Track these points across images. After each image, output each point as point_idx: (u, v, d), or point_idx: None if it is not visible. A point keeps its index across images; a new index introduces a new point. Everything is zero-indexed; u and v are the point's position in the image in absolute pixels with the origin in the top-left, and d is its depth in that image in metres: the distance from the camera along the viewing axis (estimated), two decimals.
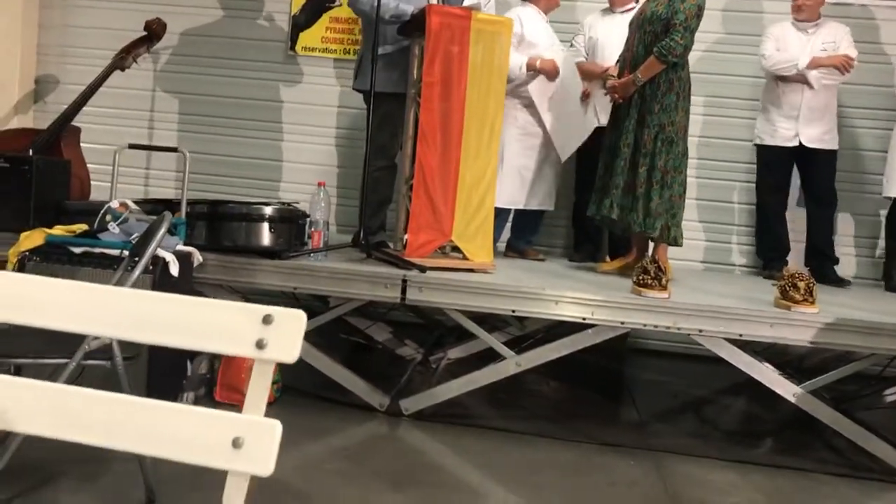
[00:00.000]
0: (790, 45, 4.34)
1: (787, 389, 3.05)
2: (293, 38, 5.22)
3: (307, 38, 5.21)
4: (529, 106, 4.27)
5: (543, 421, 3.37)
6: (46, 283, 1.00)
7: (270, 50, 5.22)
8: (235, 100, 5.21)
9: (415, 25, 3.43)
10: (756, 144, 4.55)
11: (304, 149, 5.21)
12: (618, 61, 3.94)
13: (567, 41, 4.58)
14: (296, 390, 3.29)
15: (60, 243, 2.85)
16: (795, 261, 4.52)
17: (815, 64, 4.26)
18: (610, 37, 4.19)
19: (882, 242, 4.70)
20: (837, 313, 3.03)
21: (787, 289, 3.08)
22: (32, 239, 2.86)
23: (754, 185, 4.67)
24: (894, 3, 4.77)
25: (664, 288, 3.11)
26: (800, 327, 2.96)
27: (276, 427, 0.90)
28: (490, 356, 3.40)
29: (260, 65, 5.21)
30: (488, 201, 3.49)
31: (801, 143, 4.34)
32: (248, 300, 3.36)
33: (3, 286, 0.97)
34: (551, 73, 4.18)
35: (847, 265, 4.68)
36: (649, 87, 3.67)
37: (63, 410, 0.91)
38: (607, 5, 4.55)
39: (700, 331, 3.03)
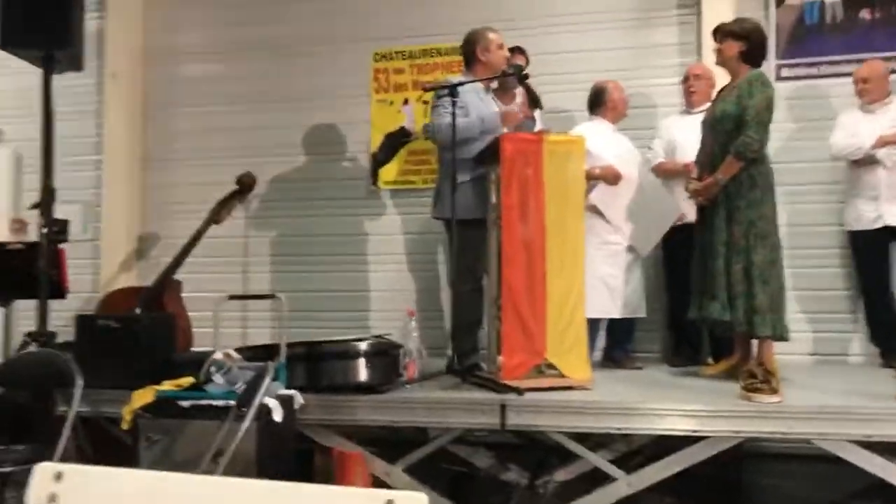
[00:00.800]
0: (860, 130, 4.30)
1: None
2: (374, 174, 5.45)
3: (387, 172, 5.44)
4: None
5: None
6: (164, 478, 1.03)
7: (354, 187, 5.46)
8: (323, 237, 5.43)
9: (490, 154, 3.53)
10: (847, 231, 4.43)
11: (390, 277, 5.34)
12: (695, 162, 3.94)
13: (645, 146, 4.63)
14: None
15: (170, 398, 2.95)
16: None
17: (880, 143, 4.19)
18: (689, 137, 4.20)
19: None
20: None
21: None
22: (144, 396, 2.98)
23: (848, 269, 4.52)
24: None
25: (775, 391, 2.97)
26: None
27: None
28: (598, 476, 3.27)
29: (344, 202, 5.44)
30: (579, 315, 3.46)
31: (886, 224, 4.23)
32: (349, 438, 3.37)
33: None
34: (610, 179, 4.19)
35: None
36: (733, 184, 3.64)
37: None
38: (684, 107, 4.60)
39: (821, 435, 2.86)
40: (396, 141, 5.46)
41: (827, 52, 4.84)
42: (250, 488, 0.94)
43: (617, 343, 4.44)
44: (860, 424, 2.82)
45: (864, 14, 4.84)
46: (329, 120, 5.54)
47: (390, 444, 3.53)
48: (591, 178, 4.19)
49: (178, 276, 4.37)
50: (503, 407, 3.12)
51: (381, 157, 5.47)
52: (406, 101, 5.47)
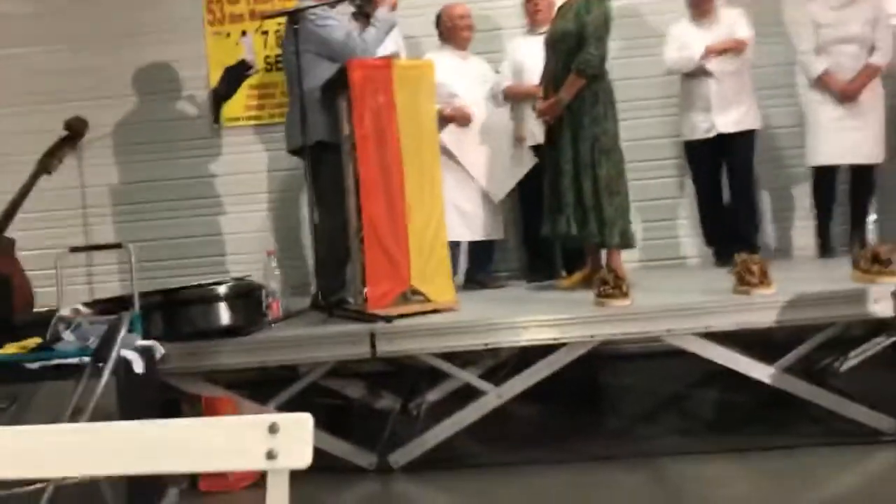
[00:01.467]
0: (690, 43, 4.46)
1: (761, 372, 3.12)
2: (216, 111, 5.19)
3: (230, 108, 5.19)
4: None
5: (532, 447, 3.37)
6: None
7: (195, 126, 5.18)
8: (168, 182, 5.14)
9: (338, 82, 3.45)
10: (683, 141, 4.68)
11: (245, 218, 5.17)
12: (541, 82, 4.02)
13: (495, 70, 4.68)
14: None
15: (15, 362, 2.76)
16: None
17: (709, 52, 4.39)
18: (533, 57, 4.27)
19: (799, 213, 4.90)
20: (793, 290, 3.12)
21: (743, 274, 3.16)
22: None
23: (683, 178, 4.80)
24: None
25: (626, 295, 3.17)
26: (762, 310, 3.05)
27: None
28: (468, 392, 3.39)
29: (186, 143, 5.16)
30: (441, 240, 3.52)
31: (718, 133, 4.45)
32: (216, 383, 3.30)
33: None
34: (460, 120, 4.22)
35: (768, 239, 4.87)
36: (576, 102, 3.76)
37: None
38: (528, 27, 4.66)
39: (668, 331, 3.09)
40: (237, 75, 5.19)
41: None
42: (128, 430, 0.90)
43: (478, 265, 4.56)
44: (701, 318, 3.07)
45: None
46: (162, 56, 5.18)
47: (260, 385, 3.49)
48: (442, 119, 4.20)
49: (10, 233, 4.02)
50: (372, 335, 3.15)
51: (221, 93, 5.19)
52: (244, 33, 5.18)
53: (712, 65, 4.42)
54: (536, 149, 4.47)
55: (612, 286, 3.16)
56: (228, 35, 5.20)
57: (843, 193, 4.80)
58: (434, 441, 3.21)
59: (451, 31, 4.45)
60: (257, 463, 0.88)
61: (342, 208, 3.69)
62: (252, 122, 5.21)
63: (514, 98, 4.56)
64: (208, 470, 0.95)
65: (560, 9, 4.01)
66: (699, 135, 4.53)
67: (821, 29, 4.43)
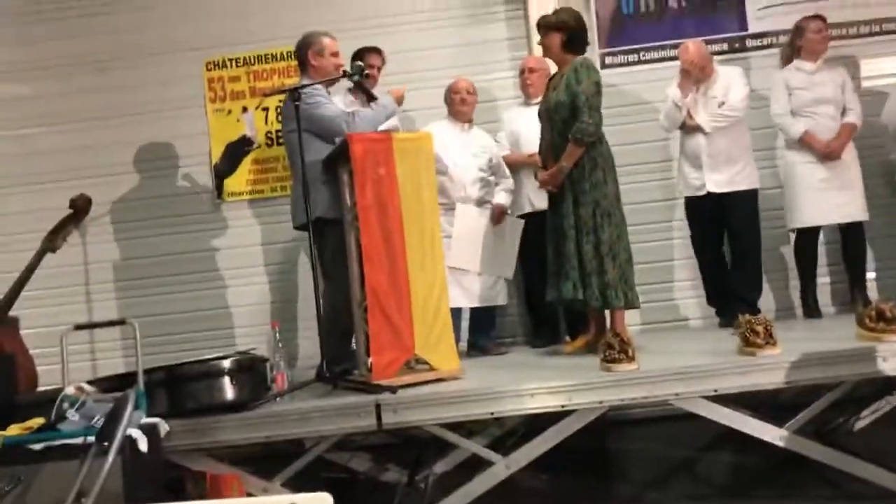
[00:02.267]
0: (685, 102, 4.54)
1: (772, 434, 3.09)
2: (218, 187, 5.27)
3: (232, 183, 5.27)
4: (450, 210, 4.37)
5: None
6: None
7: (198, 202, 5.25)
8: (170, 256, 5.18)
9: (340, 155, 3.51)
10: (684, 198, 4.72)
11: (247, 292, 5.20)
12: (539, 152, 4.10)
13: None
14: None
15: (18, 443, 2.72)
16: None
17: (680, 87, 4.46)
18: (530, 127, 4.35)
19: (790, 273, 4.91)
20: (799, 349, 3.12)
21: (748, 335, 3.15)
22: None
23: (684, 239, 4.86)
24: (758, 53, 5.10)
25: (632, 360, 3.15)
26: (769, 371, 3.03)
27: None
28: (475, 463, 3.34)
29: (189, 218, 5.22)
30: (443, 308, 3.51)
31: (708, 191, 4.48)
32: (221, 459, 3.25)
33: None
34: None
35: (768, 300, 4.87)
36: (576, 169, 3.82)
37: None
38: (523, 99, 4.78)
39: (676, 394, 3.06)
40: (238, 150, 5.31)
41: (644, 40, 5.18)
42: None
43: (479, 331, 4.55)
44: (709, 380, 3.05)
45: (672, 3, 5.22)
46: (164, 134, 5.29)
47: (265, 460, 3.43)
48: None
49: (15, 312, 4.03)
50: (378, 407, 3.11)
51: (223, 169, 5.30)
52: (245, 109, 5.33)
53: (702, 119, 4.47)
54: (534, 215, 4.52)
55: (617, 350, 3.15)
56: (229, 112, 5.33)
57: (835, 253, 4.85)
58: None
59: (451, 105, 4.57)
60: None
61: (345, 280, 3.71)
62: (254, 197, 5.28)
63: (512, 166, 4.64)
64: None
65: (551, 80, 4.11)
66: (692, 191, 4.57)
67: (796, 91, 4.54)
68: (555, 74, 4.07)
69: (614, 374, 3.12)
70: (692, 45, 4.55)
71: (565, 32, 3.91)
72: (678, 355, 3.49)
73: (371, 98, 3.87)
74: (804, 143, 4.52)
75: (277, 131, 5.24)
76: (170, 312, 5.11)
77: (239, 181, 5.29)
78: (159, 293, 5.15)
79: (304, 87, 3.63)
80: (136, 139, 5.25)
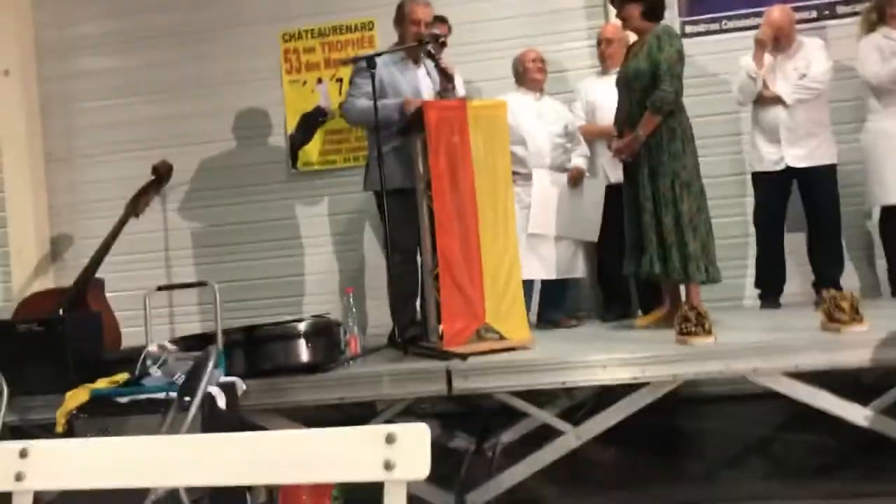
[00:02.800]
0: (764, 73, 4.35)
1: (856, 414, 2.97)
2: (293, 156, 5.35)
3: (307, 153, 5.34)
4: (527, 179, 4.33)
5: (613, 491, 3.28)
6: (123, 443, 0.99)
7: (273, 171, 5.34)
8: (246, 224, 5.31)
9: (414, 123, 3.52)
10: (752, 172, 4.56)
11: (321, 259, 5.28)
12: (615, 122, 4.02)
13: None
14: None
15: (106, 396, 2.84)
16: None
17: (753, 57, 4.28)
18: (606, 97, 4.28)
19: (878, 251, 4.65)
20: (887, 326, 2.99)
21: (832, 311, 3.04)
22: (77, 396, 2.86)
23: (744, 217, 4.71)
24: (847, 21, 4.85)
25: (709, 333, 3.08)
26: (855, 348, 2.92)
27: None
28: (542, 434, 3.33)
29: (265, 187, 5.33)
30: (515, 278, 3.50)
31: (787, 165, 4.31)
32: (294, 420, 3.33)
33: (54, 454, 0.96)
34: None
35: (851, 279, 4.59)
36: (653, 139, 3.73)
37: None
38: (601, 69, 4.69)
39: (755, 370, 2.98)
40: (313, 121, 5.38)
41: (726, 8, 5.00)
42: (245, 441, 0.91)
43: (551, 304, 4.51)
44: (790, 356, 2.95)
45: None
46: (241, 104, 5.39)
47: (337, 422, 3.48)
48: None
49: (100, 275, 4.19)
50: (449, 373, 3.13)
51: (298, 139, 5.37)
52: (320, 80, 5.38)
53: (782, 90, 4.30)
54: (609, 189, 4.46)
55: (694, 323, 3.08)
56: (305, 83, 5.38)
57: None
58: (510, 482, 3.16)
59: (524, 75, 4.51)
60: (374, 474, 0.88)
61: (404, 245, 3.74)
62: (327, 167, 5.34)
63: (587, 137, 4.56)
64: (324, 481, 0.95)
65: (630, 48, 4.02)
66: (767, 166, 4.38)
67: (889, 59, 4.30)
68: (635, 43, 3.98)
69: (691, 347, 3.05)
70: (778, 10, 4.38)
71: (643, 2, 3.81)
72: (756, 331, 3.40)
73: (444, 74, 3.85)
74: None
75: None
76: (244, 279, 5.24)
77: (313, 151, 5.36)
78: (235, 259, 5.28)
79: (380, 53, 3.65)
80: (216, 109, 5.36)
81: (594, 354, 3.13)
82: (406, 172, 3.71)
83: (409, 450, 0.89)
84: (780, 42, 4.38)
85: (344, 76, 5.31)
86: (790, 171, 4.34)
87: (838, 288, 3.92)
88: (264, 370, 3.24)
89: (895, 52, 4.32)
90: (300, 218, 5.33)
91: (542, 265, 4.33)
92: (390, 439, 0.89)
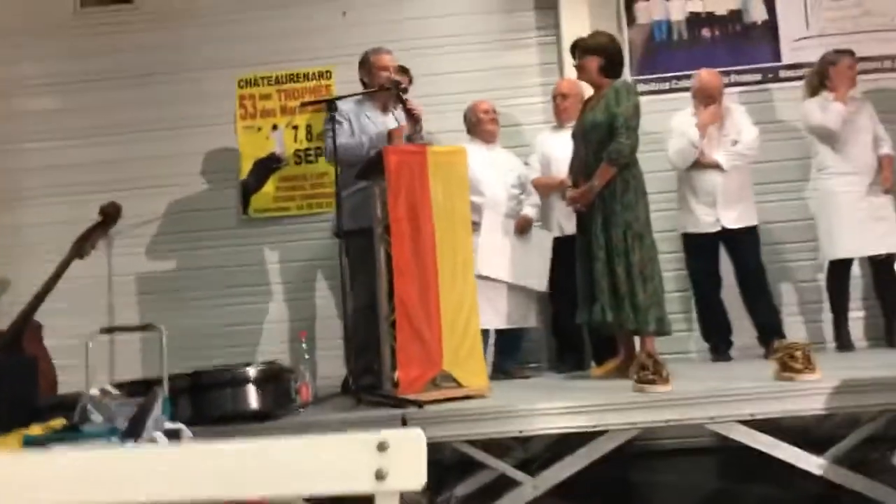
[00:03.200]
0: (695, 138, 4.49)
1: (809, 463, 2.99)
2: (245, 203, 5.27)
3: (259, 200, 5.27)
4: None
5: None
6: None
7: (224, 217, 5.25)
8: (195, 270, 5.18)
9: (373, 167, 3.50)
10: (682, 234, 4.66)
11: (271, 308, 5.17)
12: (570, 173, 4.07)
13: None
14: None
15: (40, 442, 2.68)
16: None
17: (702, 128, 4.42)
18: (561, 151, 4.34)
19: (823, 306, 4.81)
20: (839, 376, 3.03)
21: (786, 361, 3.07)
22: (7, 444, 2.68)
23: (679, 272, 4.78)
24: (790, 84, 5.06)
25: (667, 381, 3.08)
26: (809, 396, 2.94)
27: None
28: (499, 485, 3.25)
29: (215, 233, 5.22)
30: (473, 325, 3.46)
31: (723, 227, 4.45)
32: None
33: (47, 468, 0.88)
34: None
35: (799, 331, 4.75)
36: (607, 190, 3.78)
37: None
38: (556, 123, 4.76)
39: (711, 418, 2.98)
40: (266, 167, 5.32)
41: (675, 68, 5.17)
42: (222, 452, 0.84)
43: (506, 354, 4.47)
44: (745, 405, 2.97)
45: (706, 32, 5.22)
46: (194, 149, 5.31)
47: None
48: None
49: (40, 318, 4.01)
50: (404, 420, 3.05)
51: (251, 185, 5.30)
52: (275, 127, 5.35)
53: (719, 155, 4.45)
54: (564, 240, 4.48)
55: (651, 371, 3.08)
56: (259, 129, 5.35)
57: (867, 288, 4.77)
58: None
59: (476, 125, 4.58)
60: (364, 485, 0.82)
61: (364, 292, 3.69)
62: (279, 214, 5.27)
63: (542, 190, 4.61)
64: (311, 493, 0.88)
65: (587, 102, 4.10)
66: (704, 228, 4.51)
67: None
68: (591, 97, 4.06)
69: (648, 396, 3.04)
70: (706, 72, 4.61)
71: (603, 56, 3.91)
72: (711, 381, 3.40)
73: (412, 117, 3.87)
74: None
75: (306, 149, 5.27)
76: (191, 327, 5.06)
77: (265, 198, 5.29)
78: (181, 307, 5.12)
79: (340, 97, 3.65)
80: (169, 153, 5.26)
81: (553, 402, 3.09)
82: (358, 213, 3.67)
83: (404, 457, 0.84)
84: (706, 103, 4.54)
85: (300, 124, 5.33)
86: (721, 233, 4.49)
87: (782, 336, 4.02)
88: (211, 417, 3.11)
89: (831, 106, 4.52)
90: (251, 265, 5.22)
91: (495, 314, 4.31)
92: (383, 447, 0.83)
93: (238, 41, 5.33)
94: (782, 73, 5.12)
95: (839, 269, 4.57)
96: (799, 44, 5.11)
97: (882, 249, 4.49)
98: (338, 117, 3.76)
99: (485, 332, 4.28)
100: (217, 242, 5.22)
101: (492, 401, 3.27)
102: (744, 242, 4.51)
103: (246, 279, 5.19)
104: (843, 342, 4.56)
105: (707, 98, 4.56)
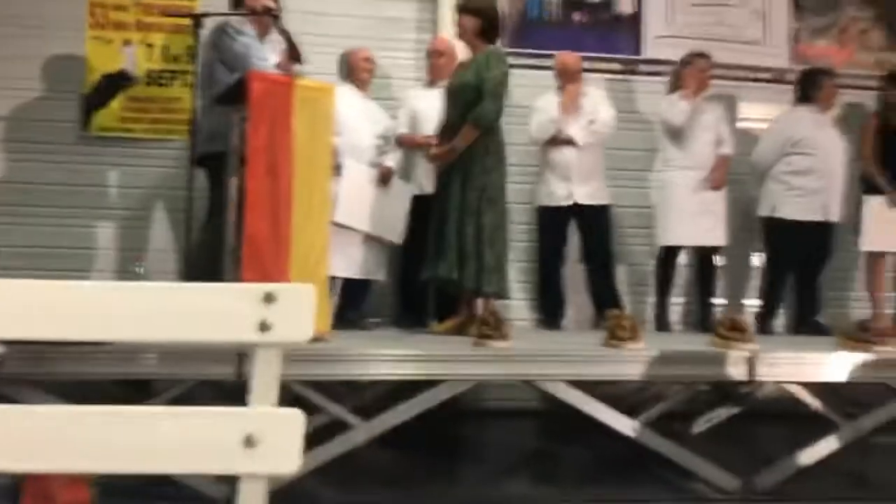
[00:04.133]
0: (555, 113, 4.69)
1: (625, 425, 3.20)
2: (86, 118, 4.88)
3: (103, 117, 4.90)
4: (339, 172, 4.27)
5: (389, 490, 3.27)
6: None
7: (63, 131, 4.83)
8: (27, 185, 4.74)
9: (235, 93, 3.35)
10: (537, 206, 4.85)
11: (105, 234, 4.86)
12: (436, 131, 4.09)
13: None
14: None
15: None
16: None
17: (564, 110, 4.63)
18: (430, 109, 4.34)
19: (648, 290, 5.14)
20: (661, 346, 3.27)
21: (615, 329, 3.27)
22: None
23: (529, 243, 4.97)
24: (647, 79, 5.37)
25: (505, 337, 3.19)
26: (632, 363, 3.15)
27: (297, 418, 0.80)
28: (334, 429, 3.25)
29: (51, 147, 4.79)
30: (322, 268, 3.41)
31: (575, 202, 4.67)
32: (64, 396, 2.98)
33: None
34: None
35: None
36: (468, 152, 3.85)
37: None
38: (428, 80, 4.74)
39: (541, 374, 3.12)
40: (114, 84, 4.95)
41: (545, 46, 5.29)
42: (95, 290, 0.78)
43: (351, 304, 4.46)
44: (576, 366, 3.14)
45: (577, 16, 5.40)
46: (36, 53, 4.84)
47: (109, 401, 3.18)
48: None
49: None
50: (240, 356, 2.96)
51: (95, 101, 4.91)
52: (128, 42, 4.98)
53: (575, 132, 4.63)
54: (423, 199, 4.49)
55: (493, 327, 3.18)
56: (110, 42, 4.96)
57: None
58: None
59: (354, 72, 4.51)
60: (247, 334, 0.79)
61: (220, 225, 3.54)
62: (124, 135, 4.94)
63: (407, 146, 4.61)
64: (192, 339, 0.84)
65: (461, 64, 4.14)
66: (557, 202, 4.71)
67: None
68: (465, 60, 4.09)
69: (487, 350, 3.14)
70: (566, 54, 4.83)
71: (483, 19, 3.95)
72: (546, 342, 3.58)
73: (295, 49, 3.73)
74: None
75: (161, 70, 4.96)
76: (20, 245, 4.66)
77: (110, 115, 4.93)
78: (13, 223, 4.69)
79: (208, 14, 3.47)
80: (4, 54, 4.76)
81: (393, 349, 3.12)
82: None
83: (291, 310, 0.82)
84: (571, 81, 4.74)
85: (155, 42, 4.99)
86: (574, 208, 4.69)
87: (619, 307, 4.29)
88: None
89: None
90: (87, 186, 4.85)
91: (347, 262, 4.28)
92: (269, 298, 0.81)
93: None
94: (641, 67, 5.39)
95: (668, 256, 4.92)
96: (659, 41, 5.40)
97: (707, 242, 4.87)
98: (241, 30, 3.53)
99: (332, 279, 4.26)
100: (53, 157, 4.79)
101: (333, 345, 3.25)
102: (595, 220, 4.72)
103: (82, 200, 4.82)
104: (662, 323, 4.92)
105: (567, 77, 4.74)
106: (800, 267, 5.01)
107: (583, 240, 4.82)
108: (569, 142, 4.66)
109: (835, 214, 4.90)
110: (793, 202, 4.87)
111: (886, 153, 4.87)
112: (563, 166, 4.67)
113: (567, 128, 4.66)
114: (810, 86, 5.01)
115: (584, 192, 4.67)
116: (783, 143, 4.93)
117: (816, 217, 4.85)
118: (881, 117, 4.97)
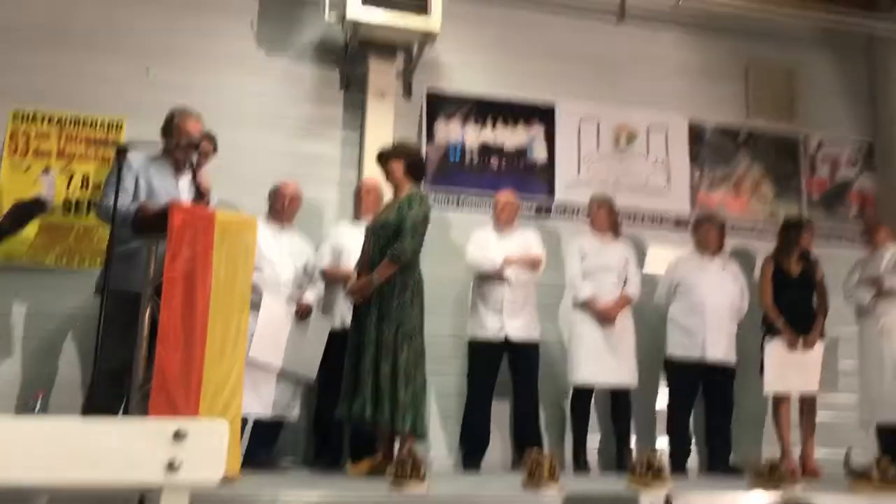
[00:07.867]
0: (491, 247, 4.86)
1: None
2: None
3: (11, 245, 4.73)
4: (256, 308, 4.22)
5: None
6: None
7: None
8: None
9: (152, 224, 3.32)
10: (469, 340, 4.89)
11: (7, 365, 4.61)
12: (356, 267, 4.12)
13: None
14: None
15: None
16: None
17: (508, 262, 4.78)
18: (355, 244, 4.37)
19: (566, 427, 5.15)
20: (577, 487, 3.23)
21: (534, 470, 3.23)
22: None
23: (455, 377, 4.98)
24: (560, 219, 5.62)
25: (422, 480, 3.09)
26: None
27: None
28: None
29: None
30: (235, 405, 3.28)
31: (506, 336, 4.74)
32: None
33: None
34: None
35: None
36: (386, 287, 3.88)
37: None
38: (354, 216, 4.86)
39: None
40: (27, 211, 4.80)
41: (466, 188, 5.52)
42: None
43: (261, 444, 4.28)
44: None
45: (494, 162, 5.67)
46: None
47: None
48: None
49: None
50: (142, 499, 2.77)
51: (4, 227, 4.76)
52: (47, 170, 4.93)
53: (509, 272, 4.78)
54: (339, 335, 4.45)
55: (410, 470, 3.08)
56: (28, 168, 4.91)
57: (605, 417, 5.19)
58: None
59: (277, 205, 4.57)
60: (153, 475, 0.74)
61: (126, 358, 3.41)
62: (32, 265, 4.79)
63: (329, 280, 4.61)
64: (94, 482, 0.78)
65: (387, 206, 4.25)
66: (489, 335, 4.76)
67: (587, 257, 5.01)
68: (392, 200, 4.20)
69: (402, 495, 3.03)
70: (505, 193, 5.09)
71: (407, 160, 4.11)
72: (464, 485, 3.49)
73: (198, 189, 3.74)
74: (587, 305, 4.93)
75: (77, 199, 4.90)
76: None
77: (19, 244, 4.78)
78: None
79: (126, 150, 3.48)
80: None
81: (306, 491, 2.98)
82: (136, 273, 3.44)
83: (201, 448, 0.77)
84: (501, 221, 4.95)
85: (76, 171, 4.95)
86: (505, 343, 4.74)
87: (540, 446, 4.26)
88: None
89: (592, 252, 5.03)
90: None
91: (258, 401, 4.15)
92: (179, 436, 0.77)
93: (20, 71, 4.92)
94: (554, 209, 5.65)
95: (580, 395, 4.95)
96: (570, 186, 5.70)
97: (615, 381, 4.91)
98: (124, 170, 3.54)
99: (243, 419, 4.10)
100: None
101: (240, 488, 3.08)
102: (525, 358, 4.79)
103: None
104: (580, 462, 4.88)
105: (504, 215, 4.94)
106: (707, 407, 5.12)
107: (513, 376, 4.83)
108: (500, 277, 4.75)
109: (718, 353, 5.02)
110: (678, 342, 5.08)
111: (782, 297, 5.13)
112: (495, 300, 4.75)
113: (500, 262, 4.76)
114: (694, 231, 5.37)
115: (516, 326, 4.73)
116: (669, 285, 5.20)
117: (695, 354, 5.00)
118: (776, 262, 5.24)
